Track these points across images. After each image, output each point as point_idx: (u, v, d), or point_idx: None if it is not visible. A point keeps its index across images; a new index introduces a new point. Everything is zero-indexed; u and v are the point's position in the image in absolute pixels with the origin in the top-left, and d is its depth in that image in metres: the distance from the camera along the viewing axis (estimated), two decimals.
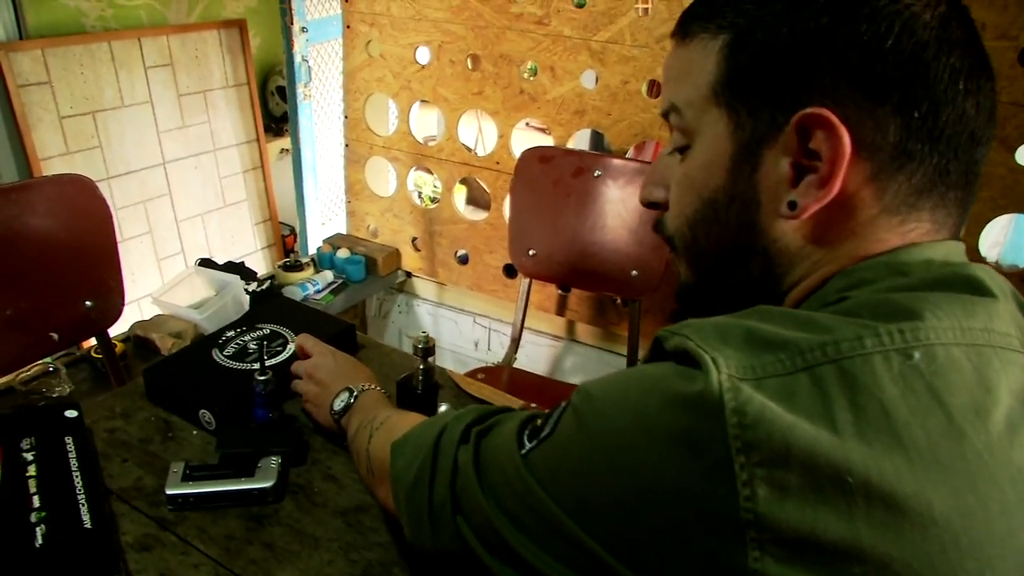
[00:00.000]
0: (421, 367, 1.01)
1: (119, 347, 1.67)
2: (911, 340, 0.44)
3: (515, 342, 2.02)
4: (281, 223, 3.24)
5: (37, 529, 0.84)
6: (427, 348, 1.01)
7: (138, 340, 1.80)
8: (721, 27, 0.53)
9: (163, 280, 2.69)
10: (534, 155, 1.87)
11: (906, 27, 0.48)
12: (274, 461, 0.97)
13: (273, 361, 1.15)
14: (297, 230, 2.82)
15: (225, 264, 2.10)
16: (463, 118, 2.15)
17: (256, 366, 1.10)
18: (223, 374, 1.12)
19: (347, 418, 0.98)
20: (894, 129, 0.48)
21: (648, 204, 0.64)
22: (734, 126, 0.53)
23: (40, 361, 1.63)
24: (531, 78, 1.98)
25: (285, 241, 3.26)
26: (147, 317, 1.92)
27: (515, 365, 2.02)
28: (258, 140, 3.03)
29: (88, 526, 0.86)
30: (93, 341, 1.68)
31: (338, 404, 0.99)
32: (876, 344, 0.44)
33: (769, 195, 0.53)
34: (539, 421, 0.57)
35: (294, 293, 2.09)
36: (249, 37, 2.86)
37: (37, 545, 0.82)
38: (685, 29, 0.57)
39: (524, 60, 1.96)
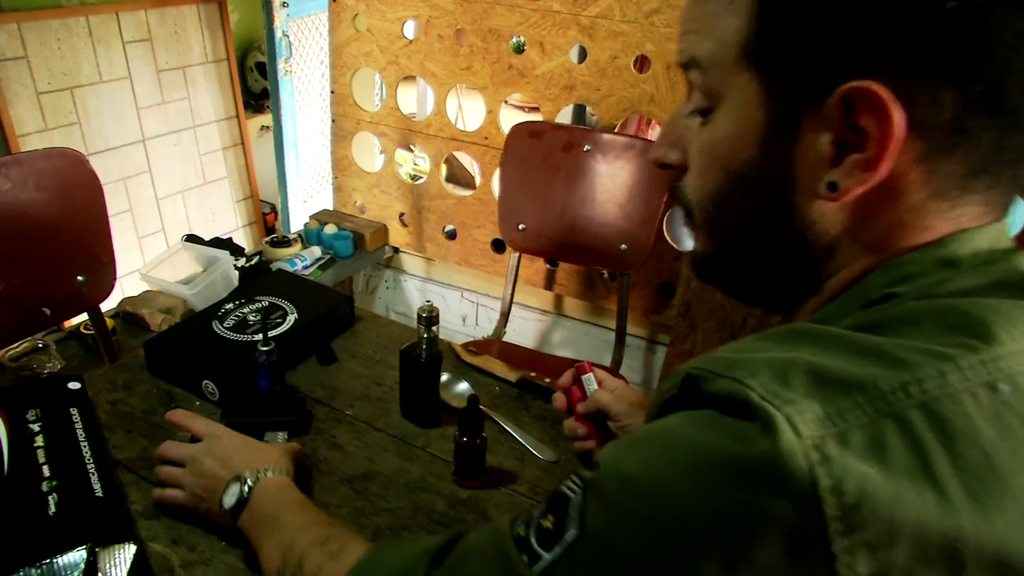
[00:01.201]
0: (425, 336, 1.02)
1: (108, 323, 1.65)
2: (994, 371, 0.40)
3: (504, 316, 2.04)
4: (261, 201, 3.21)
5: (49, 498, 0.85)
6: (431, 317, 1.02)
7: (127, 316, 1.79)
8: None
9: (144, 258, 2.66)
10: (524, 130, 1.88)
11: None
12: (281, 435, 0.98)
13: (275, 332, 1.15)
14: (278, 207, 2.80)
15: (212, 240, 2.09)
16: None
17: (258, 337, 1.11)
18: (225, 345, 1.13)
19: (245, 520, 0.80)
20: (950, 103, 0.42)
21: (661, 166, 0.57)
22: (767, 94, 0.47)
23: (29, 338, 1.61)
24: (517, 53, 1.98)
25: (266, 219, 3.24)
26: (130, 294, 1.90)
27: (503, 339, 2.04)
28: (238, 117, 2.99)
29: (99, 494, 0.87)
30: (78, 318, 1.67)
31: (228, 499, 0.80)
32: (961, 379, 0.39)
33: (807, 173, 0.47)
34: (544, 522, 0.47)
35: (282, 269, 2.08)
36: (228, 12, 2.81)
37: (50, 513, 0.83)
38: None
39: (513, 35, 1.96)
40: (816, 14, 0.43)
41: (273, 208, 3.21)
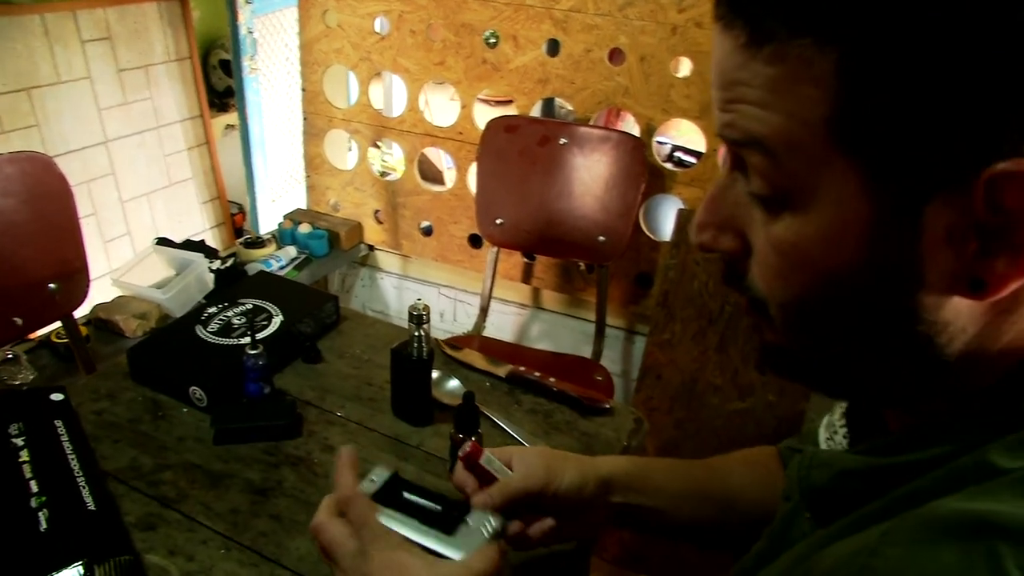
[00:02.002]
0: (416, 334, 1.02)
1: (82, 331, 1.62)
2: None
3: (484, 311, 2.04)
4: (229, 201, 3.15)
5: (40, 514, 0.82)
6: (421, 316, 1.01)
7: (99, 323, 1.75)
8: (825, 37, 0.34)
9: (110, 263, 2.60)
10: (500, 124, 1.88)
11: None
12: (490, 525, 0.67)
13: (261, 335, 1.13)
14: (247, 208, 2.75)
15: (184, 243, 2.05)
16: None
17: (244, 341, 1.10)
18: (211, 350, 1.11)
19: None
20: None
21: (707, 251, 0.46)
22: (874, 184, 0.36)
23: None
24: (492, 47, 1.97)
25: (234, 220, 3.19)
26: (98, 300, 1.86)
27: (483, 334, 2.04)
28: (203, 116, 2.93)
29: (92, 508, 0.85)
30: (49, 327, 1.63)
31: None
32: None
33: (938, 271, 0.37)
34: None
35: (257, 270, 2.05)
36: (190, 9, 2.76)
37: (42, 530, 0.81)
38: (757, 26, 0.37)
39: (486, 30, 1.95)
40: (934, 81, 0.33)
41: (241, 209, 3.16)
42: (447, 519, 0.66)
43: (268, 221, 2.63)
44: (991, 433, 0.37)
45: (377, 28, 2.10)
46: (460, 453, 0.71)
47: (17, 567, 0.77)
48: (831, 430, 0.58)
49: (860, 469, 0.44)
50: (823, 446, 0.59)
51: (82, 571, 0.76)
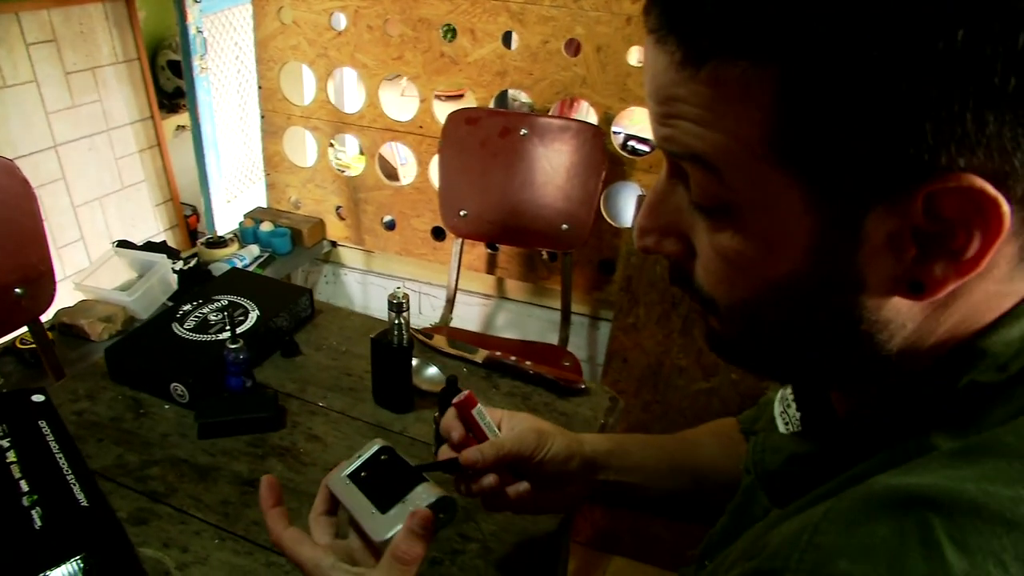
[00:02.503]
0: (396, 323, 1.04)
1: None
2: None
3: (450, 302, 2.06)
4: (182, 203, 3.11)
5: (33, 512, 0.83)
6: (400, 304, 1.03)
7: (64, 328, 1.72)
8: (763, 58, 0.35)
9: (65, 269, 2.56)
10: (460, 117, 1.90)
11: None
12: (426, 495, 0.67)
13: (240, 330, 1.14)
14: (201, 209, 2.73)
15: (144, 245, 2.03)
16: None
17: (222, 336, 1.11)
18: (189, 346, 1.11)
19: None
20: None
21: (650, 253, 0.47)
22: (814, 196, 0.37)
23: None
24: (449, 41, 1.99)
25: (188, 221, 3.15)
26: (59, 306, 1.83)
27: (450, 325, 2.06)
28: (153, 118, 2.89)
29: (85, 504, 0.85)
30: (13, 334, 1.60)
31: None
32: None
33: (879, 276, 0.38)
34: None
35: (220, 269, 2.04)
36: (136, 9, 2.71)
37: (37, 527, 0.81)
38: (692, 45, 0.37)
39: (443, 23, 1.97)
40: (877, 101, 0.33)
41: (194, 210, 3.12)
42: (390, 496, 0.67)
43: (223, 222, 2.61)
44: (931, 415, 0.40)
45: (333, 24, 2.10)
46: (455, 399, 0.71)
47: (15, 565, 0.77)
48: (784, 403, 0.61)
49: (809, 453, 0.47)
50: (778, 418, 0.61)
51: (81, 565, 0.77)
